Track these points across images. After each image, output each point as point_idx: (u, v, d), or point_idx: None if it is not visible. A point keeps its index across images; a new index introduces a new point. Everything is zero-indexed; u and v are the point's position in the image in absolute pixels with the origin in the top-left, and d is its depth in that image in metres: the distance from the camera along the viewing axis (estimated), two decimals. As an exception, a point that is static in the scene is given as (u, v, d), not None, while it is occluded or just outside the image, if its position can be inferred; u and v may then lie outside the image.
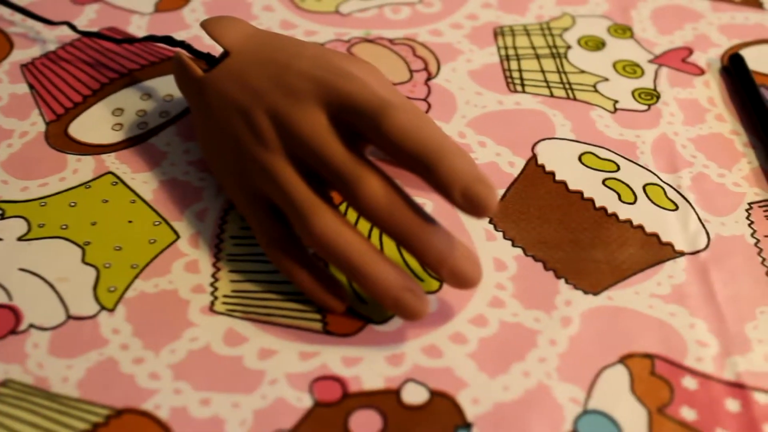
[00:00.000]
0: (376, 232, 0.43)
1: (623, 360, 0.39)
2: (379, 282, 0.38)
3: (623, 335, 0.40)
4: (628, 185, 0.46)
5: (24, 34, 0.54)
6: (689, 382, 0.38)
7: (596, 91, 0.51)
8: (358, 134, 0.40)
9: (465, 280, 0.38)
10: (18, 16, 0.56)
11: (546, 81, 0.52)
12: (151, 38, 0.49)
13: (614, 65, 0.53)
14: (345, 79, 0.40)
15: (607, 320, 0.40)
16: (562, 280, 0.42)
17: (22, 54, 0.53)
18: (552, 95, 0.51)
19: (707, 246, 0.44)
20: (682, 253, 0.43)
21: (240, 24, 0.45)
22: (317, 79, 0.41)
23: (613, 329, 0.40)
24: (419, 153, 0.37)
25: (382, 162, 0.46)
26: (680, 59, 0.54)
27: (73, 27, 0.52)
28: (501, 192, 0.45)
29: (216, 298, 0.41)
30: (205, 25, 0.45)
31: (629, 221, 0.44)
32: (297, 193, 0.39)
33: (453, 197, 0.36)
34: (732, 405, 0.37)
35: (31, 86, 0.51)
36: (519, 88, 0.51)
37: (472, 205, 0.36)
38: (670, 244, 0.43)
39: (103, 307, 0.40)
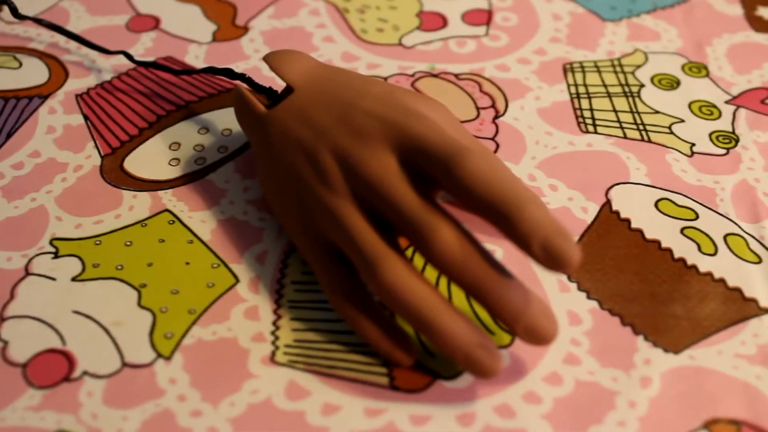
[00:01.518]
0: (444, 280, 0.41)
1: (708, 426, 0.37)
2: (450, 336, 0.36)
3: (707, 398, 0.38)
4: (707, 235, 0.44)
5: (79, 63, 0.53)
6: (779, 452, 0.36)
7: (672, 132, 0.49)
8: (429, 179, 0.38)
9: (541, 337, 0.36)
10: (73, 44, 0.55)
11: (619, 121, 0.50)
12: (211, 70, 0.47)
13: (690, 106, 0.51)
14: (415, 120, 0.39)
15: (689, 381, 0.38)
16: (641, 337, 0.40)
17: (77, 83, 0.52)
18: (625, 137, 0.49)
19: (794, 302, 0.41)
20: (767, 311, 0.41)
21: (303, 58, 0.44)
22: (386, 119, 0.39)
23: (695, 391, 0.38)
24: (495, 202, 0.35)
25: (449, 204, 0.44)
26: (759, 100, 0.51)
27: (129, 56, 0.51)
28: (576, 241, 0.43)
29: (277, 347, 0.39)
30: (268, 59, 0.44)
31: (710, 274, 0.42)
32: (364, 239, 0.37)
33: (532, 250, 0.34)
34: (828, 480, 0.35)
35: (86, 117, 0.50)
36: (591, 128, 0.49)
37: (553, 260, 0.34)
38: (754, 300, 0.41)
39: (159, 355, 0.38)
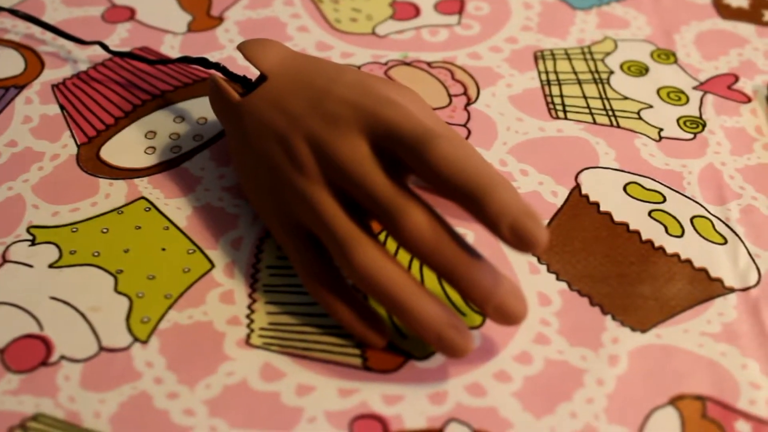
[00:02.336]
0: (416, 263, 0.42)
1: (673, 402, 0.37)
2: (422, 318, 0.37)
3: (673, 375, 0.38)
4: (675, 217, 0.44)
5: (55, 54, 0.54)
6: (743, 426, 0.37)
7: (640, 118, 0.50)
8: (401, 164, 0.39)
9: (511, 317, 0.37)
10: (49, 35, 0.55)
11: (588, 107, 0.50)
12: (186, 59, 0.48)
13: (658, 92, 0.52)
14: (387, 106, 0.39)
15: (656, 359, 0.39)
16: (609, 316, 0.40)
17: (53, 74, 0.52)
18: (595, 122, 0.50)
19: (758, 282, 0.42)
20: (732, 290, 0.42)
21: (277, 47, 0.44)
22: (358, 105, 0.39)
23: (662, 369, 0.39)
24: (465, 185, 0.35)
25: (422, 189, 0.45)
26: (726, 86, 0.52)
27: (105, 47, 0.51)
28: (545, 224, 0.44)
29: (252, 330, 0.39)
30: (242, 47, 0.44)
31: (677, 255, 0.43)
32: (337, 223, 0.38)
33: (501, 232, 0.35)
34: (789, 452, 0.36)
35: (63, 107, 0.50)
36: (561, 114, 0.50)
37: (521, 241, 0.34)
38: (719, 280, 0.42)
39: (136, 339, 0.39)
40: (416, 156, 0.37)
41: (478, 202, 0.35)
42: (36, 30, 0.55)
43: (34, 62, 0.53)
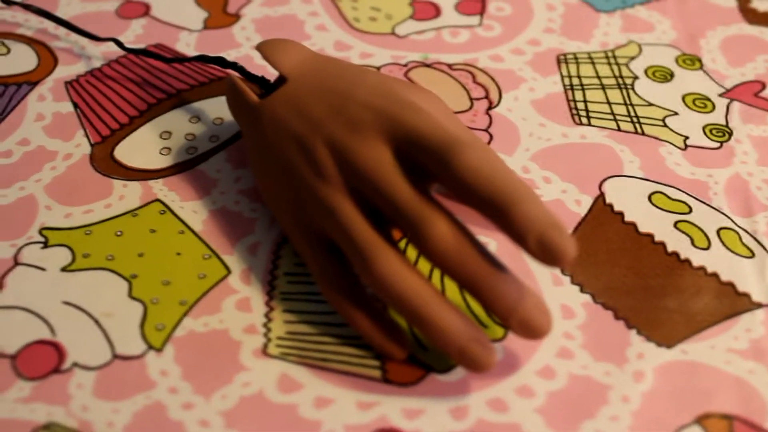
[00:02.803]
0: (437, 273, 0.41)
1: (700, 420, 0.37)
2: (443, 330, 0.36)
3: (699, 393, 0.38)
4: (701, 229, 0.44)
5: (69, 50, 0.53)
6: (771, 447, 0.36)
7: (665, 125, 0.49)
8: (424, 171, 0.38)
9: (535, 331, 0.36)
10: (62, 31, 0.54)
11: (612, 113, 0.49)
12: (202, 58, 0.47)
13: (683, 98, 0.51)
14: (410, 111, 0.38)
15: (682, 376, 0.38)
16: (634, 331, 0.40)
17: (66, 70, 0.51)
18: (619, 129, 0.49)
19: (786, 297, 0.41)
20: (759, 305, 0.41)
21: (297, 48, 0.43)
22: (380, 110, 0.39)
23: (688, 386, 0.38)
24: (491, 196, 0.35)
25: (443, 196, 0.44)
26: (752, 93, 0.51)
27: (119, 43, 0.51)
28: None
29: (269, 339, 0.39)
30: (261, 48, 0.43)
31: (703, 268, 0.42)
32: (358, 231, 0.37)
33: (528, 245, 0.34)
34: (820, 476, 0.35)
35: (76, 105, 0.49)
36: (584, 120, 0.49)
37: (548, 255, 0.34)
38: (746, 295, 0.41)
39: (150, 347, 0.38)
40: (440, 164, 0.36)
41: (504, 213, 0.34)
42: (49, 25, 0.55)
43: (48, 58, 0.52)
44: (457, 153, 0.36)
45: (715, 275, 0.42)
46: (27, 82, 0.51)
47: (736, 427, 0.37)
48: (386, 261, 0.36)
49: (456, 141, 0.36)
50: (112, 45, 0.53)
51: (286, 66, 0.43)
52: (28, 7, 0.53)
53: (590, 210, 0.44)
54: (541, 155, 0.47)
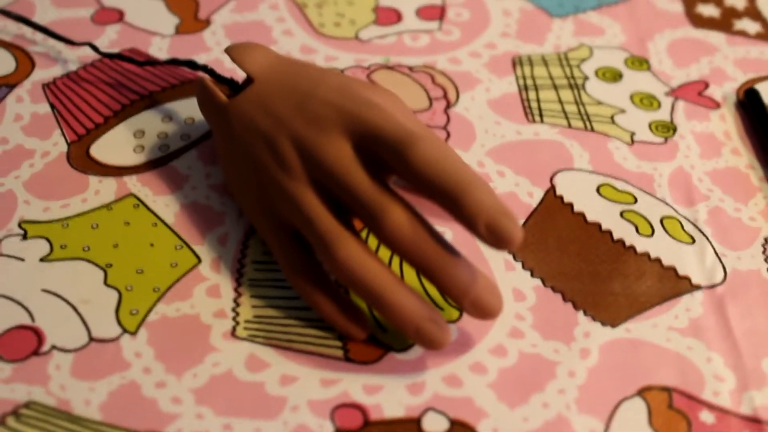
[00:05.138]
0: (396, 259, 0.44)
1: (641, 393, 0.39)
2: (401, 311, 0.38)
3: (641, 368, 0.40)
4: (645, 218, 0.46)
5: (46, 54, 0.55)
6: (707, 416, 0.38)
7: (614, 122, 0.52)
8: (382, 164, 0.40)
9: (486, 311, 0.38)
10: (39, 36, 0.56)
11: (564, 112, 0.52)
12: (174, 62, 0.49)
13: (631, 97, 0.53)
14: (369, 108, 0.41)
15: (626, 353, 0.41)
16: (581, 312, 0.42)
17: (43, 73, 0.53)
18: (570, 126, 0.51)
19: (724, 280, 0.44)
20: (699, 287, 0.43)
21: (264, 51, 0.46)
22: (341, 107, 0.41)
23: (631, 362, 0.40)
24: (444, 185, 0.37)
25: (402, 190, 0.46)
26: (696, 92, 0.54)
27: (95, 48, 0.53)
28: (520, 222, 0.46)
29: (238, 323, 0.41)
30: (229, 51, 0.46)
31: (647, 254, 0.45)
32: (320, 220, 0.39)
33: (478, 230, 0.36)
34: (750, 441, 0.38)
35: (53, 106, 0.51)
36: (537, 118, 0.52)
37: (496, 238, 0.36)
38: (687, 278, 0.44)
39: (125, 330, 0.40)
40: (397, 157, 0.38)
41: (456, 201, 0.37)
42: (27, 30, 0.57)
43: (25, 62, 0.54)
44: (412, 146, 0.38)
45: (658, 260, 0.44)
46: (6, 84, 0.53)
47: (675, 397, 0.39)
48: (347, 248, 0.39)
49: (411, 135, 0.38)
50: (87, 49, 0.55)
51: (253, 68, 0.45)
52: (6, 13, 0.55)
53: (542, 201, 0.47)
54: (495, 151, 0.50)
